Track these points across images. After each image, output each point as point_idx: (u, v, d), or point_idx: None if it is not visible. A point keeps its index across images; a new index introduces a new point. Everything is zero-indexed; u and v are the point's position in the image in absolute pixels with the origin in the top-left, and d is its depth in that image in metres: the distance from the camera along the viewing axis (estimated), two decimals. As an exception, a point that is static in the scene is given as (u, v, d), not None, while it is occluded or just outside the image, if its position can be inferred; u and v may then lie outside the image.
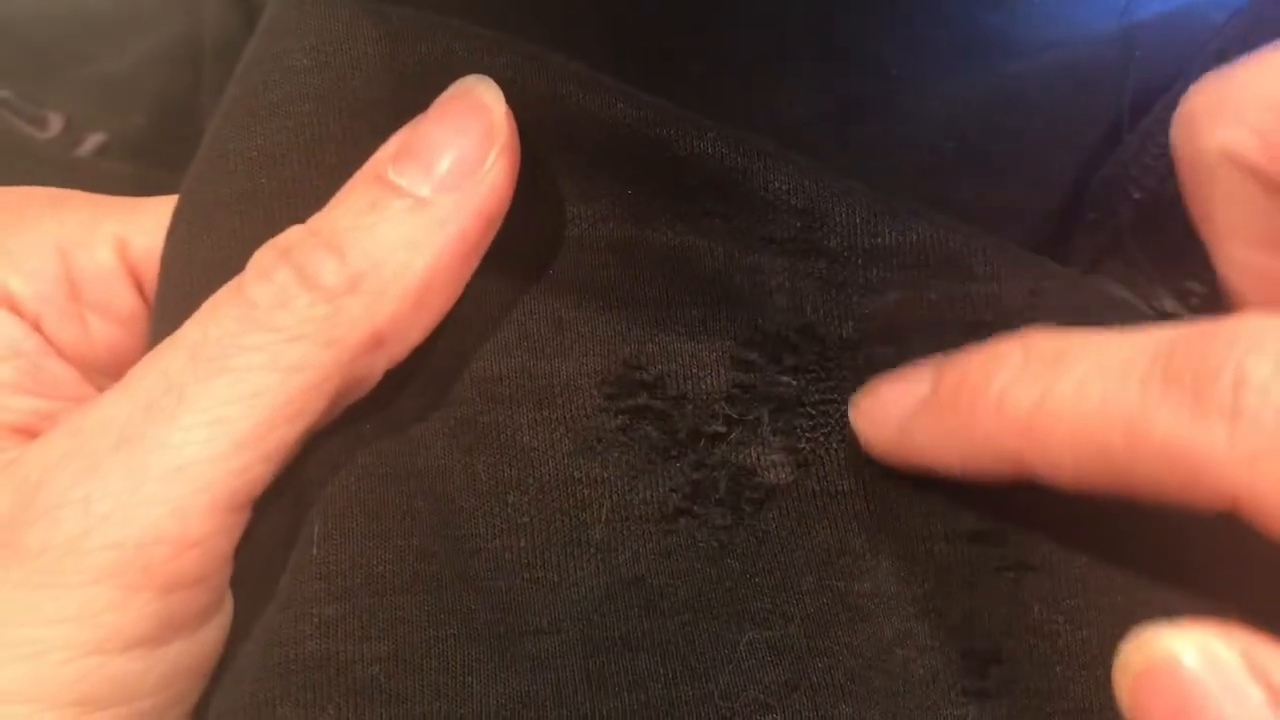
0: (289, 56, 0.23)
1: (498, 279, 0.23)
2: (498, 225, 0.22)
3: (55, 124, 0.37)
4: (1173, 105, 0.25)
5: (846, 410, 0.22)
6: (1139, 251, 0.26)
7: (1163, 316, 0.26)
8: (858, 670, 0.21)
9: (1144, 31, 0.27)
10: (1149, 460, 0.17)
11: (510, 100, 0.22)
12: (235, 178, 0.23)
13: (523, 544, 0.21)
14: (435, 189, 0.21)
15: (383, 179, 0.22)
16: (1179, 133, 0.21)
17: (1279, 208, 0.20)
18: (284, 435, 0.21)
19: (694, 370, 0.22)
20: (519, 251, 0.23)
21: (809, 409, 0.22)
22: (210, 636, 0.21)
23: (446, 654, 0.21)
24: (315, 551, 0.21)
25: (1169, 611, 0.20)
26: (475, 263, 0.22)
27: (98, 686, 0.20)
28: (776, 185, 0.22)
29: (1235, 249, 0.21)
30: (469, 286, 0.22)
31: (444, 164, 0.21)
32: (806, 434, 0.22)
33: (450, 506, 0.22)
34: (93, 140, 0.37)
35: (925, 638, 0.21)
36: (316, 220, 0.22)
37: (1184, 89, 0.25)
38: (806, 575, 0.21)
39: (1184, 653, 0.17)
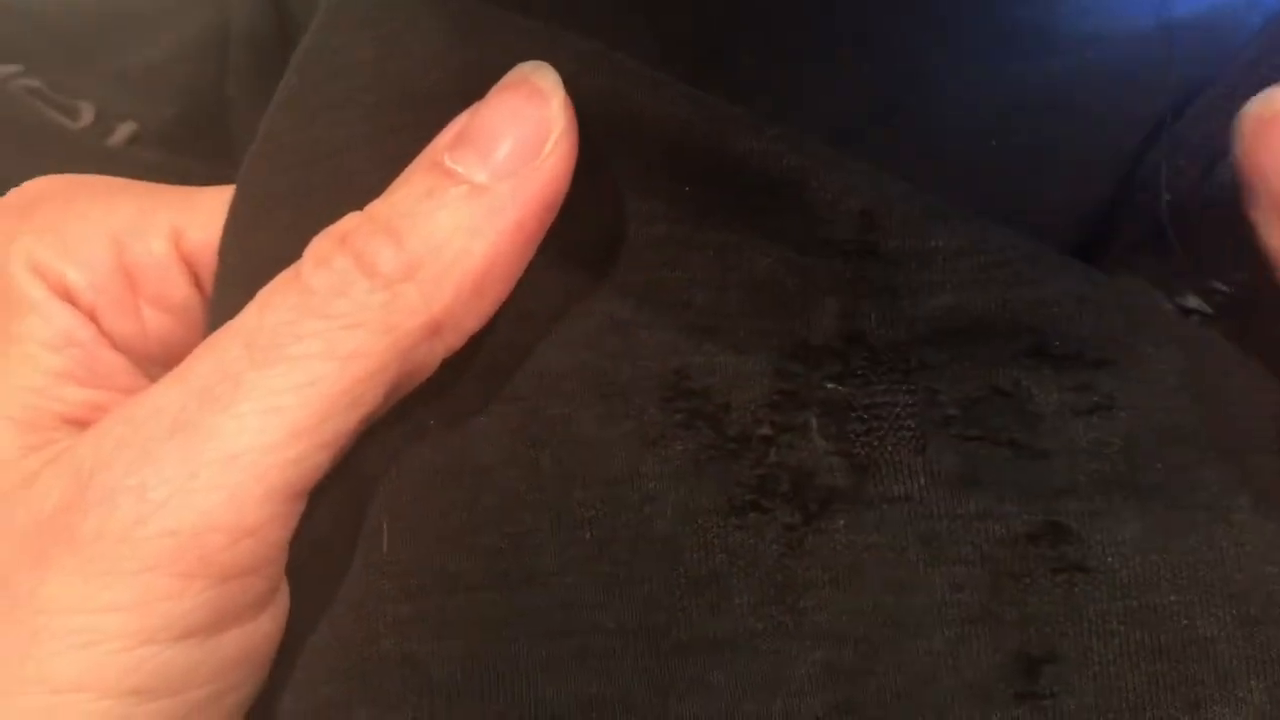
0: (348, 49, 0.23)
1: (556, 274, 0.22)
2: (554, 212, 0.22)
3: (87, 114, 0.37)
4: (1203, 112, 0.25)
5: (899, 414, 0.22)
6: (1167, 251, 0.26)
7: (1187, 313, 0.26)
8: (906, 688, 0.21)
9: (1183, 31, 0.27)
10: None
11: (569, 93, 0.22)
12: (293, 170, 0.23)
13: (588, 538, 0.21)
14: (492, 176, 0.21)
15: (440, 166, 0.21)
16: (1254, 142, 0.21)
17: None
18: (340, 424, 0.20)
19: (736, 382, 0.22)
20: (578, 246, 0.23)
21: (860, 413, 0.22)
22: (265, 627, 0.21)
23: (518, 653, 0.21)
24: (385, 549, 0.21)
25: (1230, 606, 0.21)
26: (532, 250, 0.22)
27: (151, 676, 0.20)
28: (834, 186, 0.22)
29: None
30: (529, 280, 0.22)
31: (501, 151, 0.21)
32: (861, 438, 0.22)
33: (515, 501, 0.21)
34: (124, 130, 0.37)
35: (978, 643, 0.21)
36: (374, 207, 0.22)
37: (1215, 95, 0.25)
38: (865, 588, 0.21)
39: None
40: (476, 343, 0.22)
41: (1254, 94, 0.25)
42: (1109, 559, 0.21)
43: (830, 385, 0.22)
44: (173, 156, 0.36)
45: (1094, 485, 0.21)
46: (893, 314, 0.22)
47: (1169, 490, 0.21)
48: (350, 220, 0.22)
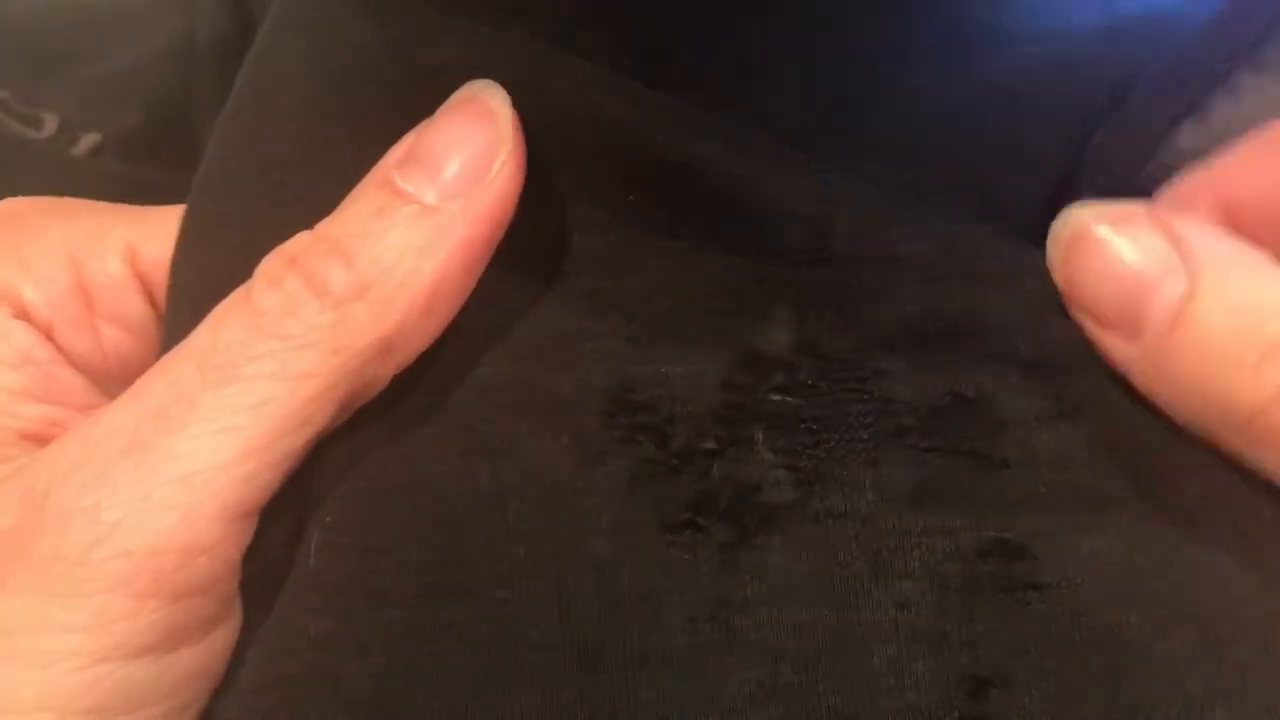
0: (290, 62, 0.23)
1: (504, 286, 0.22)
2: (503, 229, 0.22)
3: (50, 124, 0.37)
4: (1142, 100, 0.25)
5: (851, 424, 0.21)
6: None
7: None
8: (845, 708, 0.20)
9: (1127, 25, 0.27)
10: None
11: (515, 104, 0.22)
12: (239, 186, 0.23)
13: (522, 553, 0.21)
14: (441, 195, 0.21)
15: (389, 184, 0.22)
16: None
17: None
18: (292, 443, 0.21)
19: (683, 394, 0.22)
20: (525, 257, 0.23)
21: (810, 424, 0.21)
22: (219, 643, 0.21)
23: (444, 668, 0.21)
24: (312, 564, 0.21)
25: (1197, 629, 0.20)
26: (481, 268, 0.22)
27: (109, 694, 0.20)
28: (783, 191, 0.22)
29: None
30: (476, 292, 0.22)
31: (450, 170, 0.21)
32: (809, 450, 0.21)
33: (451, 515, 0.21)
34: (87, 140, 0.37)
35: (923, 663, 0.20)
36: (324, 226, 0.22)
37: (1154, 83, 0.25)
38: (803, 606, 0.21)
39: (1096, 223, 0.21)
40: (424, 358, 0.22)
41: (1194, 87, 0.25)
42: (1066, 576, 0.20)
43: (777, 397, 0.22)
44: (135, 167, 0.36)
45: (1055, 498, 0.21)
46: (847, 321, 0.22)
47: (1136, 505, 0.20)
48: (300, 240, 0.22)
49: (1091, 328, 0.21)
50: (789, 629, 0.21)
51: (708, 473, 0.21)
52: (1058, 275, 0.21)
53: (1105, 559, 0.20)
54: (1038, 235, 0.25)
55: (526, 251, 0.23)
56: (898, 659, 0.20)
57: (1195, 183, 0.22)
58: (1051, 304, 0.21)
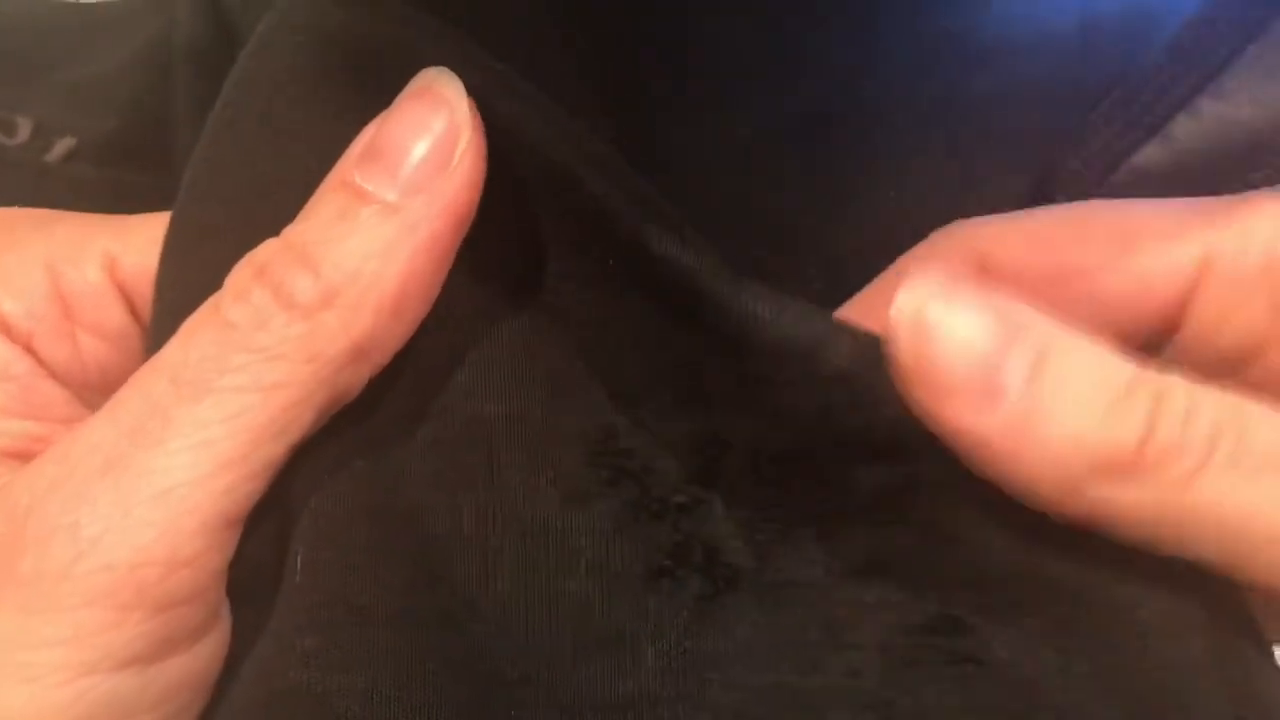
0: (271, 80, 0.23)
1: (486, 313, 0.22)
2: (469, 222, 0.22)
3: (24, 130, 0.37)
4: (1103, 118, 0.25)
5: (804, 501, 0.21)
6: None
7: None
8: None
9: (1103, 29, 0.27)
10: None
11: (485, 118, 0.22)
12: (223, 201, 0.23)
13: (501, 589, 0.21)
14: (403, 191, 0.21)
15: (349, 185, 0.21)
16: None
17: None
18: (270, 452, 0.21)
19: (660, 449, 0.22)
20: (515, 288, 0.22)
21: (766, 496, 0.22)
22: (207, 651, 0.22)
23: (423, 690, 0.21)
24: (299, 580, 0.21)
25: (1129, 712, 0.20)
26: (449, 263, 0.22)
27: (95, 706, 0.20)
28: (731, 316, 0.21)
29: None
30: (459, 315, 0.22)
31: (410, 164, 0.21)
32: (764, 524, 0.22)
33: (433, 544, 0.21)
34: (61, 145, 0.37)
35: None
36: (290, 232, 0.22)
37: (1115, 101, 0.25)
38: (764, 668, 0.21)
39: (937, 298, 0.20)
40: (406, 376, 0.22)
41: (1158, 99, 0.25)
42: (1003, 653, 0.20)
43: (737, 469, 0.22)
44: (108, 171, 0.36)
45: (1000, 576, 0.21)
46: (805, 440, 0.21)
47: (1077, 584, 0.20)
48: (267, 248, 0.22)
49: (941, 408, 0.20)
50: (756, 688, 0.21)
51: (680, 526, 0.22)
52: (903, 354, 0.20)
53: (1042, 638, 0.20)
54: None
55: (515, 282, 0.22)
56: None
57: (950, 239, 0.22)
58: None
